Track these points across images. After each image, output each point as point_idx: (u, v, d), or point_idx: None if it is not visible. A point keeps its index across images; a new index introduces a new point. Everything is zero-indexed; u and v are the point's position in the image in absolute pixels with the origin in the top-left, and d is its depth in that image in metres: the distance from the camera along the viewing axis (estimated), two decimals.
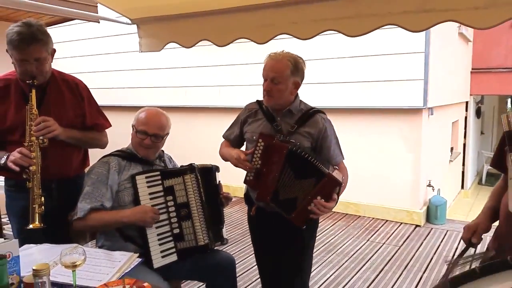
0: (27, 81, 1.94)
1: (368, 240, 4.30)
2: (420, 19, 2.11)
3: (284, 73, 1.95)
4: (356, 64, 4.91)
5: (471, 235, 1.62)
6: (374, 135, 4.98)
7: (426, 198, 5.01)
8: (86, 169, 2.21)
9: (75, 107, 2.14)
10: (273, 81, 1.95)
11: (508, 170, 1.50)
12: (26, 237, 1.88)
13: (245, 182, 2.06)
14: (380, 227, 4.72)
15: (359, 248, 4.08)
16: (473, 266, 1.37)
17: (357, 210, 5.16)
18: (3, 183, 2.18)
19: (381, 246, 4.13)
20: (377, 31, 2.20)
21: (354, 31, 2.26)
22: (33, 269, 0.88)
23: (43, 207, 1.91)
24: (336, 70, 5.03)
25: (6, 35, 1.88)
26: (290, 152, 1.88)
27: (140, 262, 1.73)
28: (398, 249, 4.07)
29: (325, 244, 4.19)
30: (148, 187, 1.98)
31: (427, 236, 4.45)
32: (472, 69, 8.08)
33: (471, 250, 1.64)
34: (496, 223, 1.66)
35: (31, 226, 1.87)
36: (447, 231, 4.58)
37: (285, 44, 2.27)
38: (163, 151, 2.24)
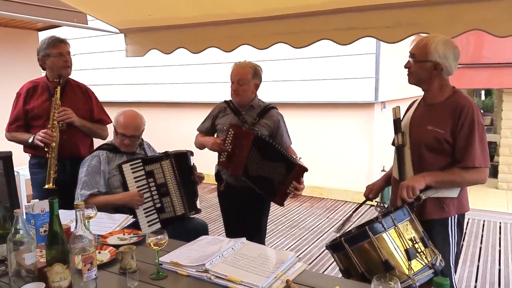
0: (55, 79, 2.61)
1: (327, 218, 4.97)
2: (347, 34, 2.73)
3: (247, 77, 2.55)
4: (321, 64, 5.54)
5: (369, 192, 2.23)
6: (335, 126, 5.64)
7: None
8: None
9: (85, 103, 2.82)
10: (239, 82, 2.55)
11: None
12: None
13: (218, 163, 2.64)
14: (339, 207, 5.39)
15: (319, 224, 4.74)
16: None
17: (321, 193, 5.82)
18: (27, 171, 2.85)
19: (337, 222, 4.79)
20: None
21: (298, 44, 2.87)
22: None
23: (56, 174, 2.56)
24: (305, 69, 5.66)
25: (41, 46, 2.61)
26: (256, 137, 2.47)
27: (133, 221, 2.31)
28: (352, 224, 4.72)
29: (291, 221, 4.84)
30: (133, 172, 2.48)
31: None
32: None
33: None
34: None
35: (46, 186, 2.52)
36: None
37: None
38: (142, 139, 2.72)
